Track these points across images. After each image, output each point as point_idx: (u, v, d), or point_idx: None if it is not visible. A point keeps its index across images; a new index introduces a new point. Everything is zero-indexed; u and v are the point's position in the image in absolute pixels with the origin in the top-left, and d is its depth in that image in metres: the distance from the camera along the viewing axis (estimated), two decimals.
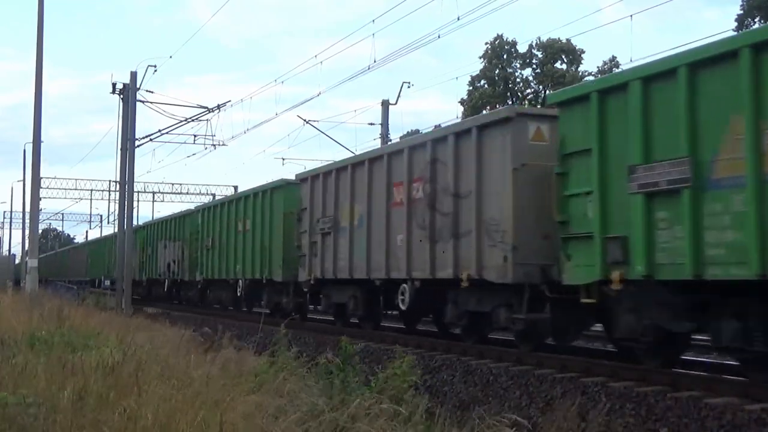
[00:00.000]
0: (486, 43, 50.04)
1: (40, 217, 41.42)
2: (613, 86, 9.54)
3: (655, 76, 8.81)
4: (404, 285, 13.70)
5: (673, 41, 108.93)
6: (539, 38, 49.39)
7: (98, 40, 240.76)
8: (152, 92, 31.82)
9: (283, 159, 40.13)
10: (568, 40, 47.67)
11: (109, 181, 47.64)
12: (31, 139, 24.00)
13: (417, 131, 51.26)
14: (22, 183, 52.73)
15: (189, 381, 6.32)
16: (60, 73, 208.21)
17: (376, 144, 31.28)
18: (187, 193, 56.08)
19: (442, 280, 12.64)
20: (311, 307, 20.78)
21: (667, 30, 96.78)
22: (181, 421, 4.96)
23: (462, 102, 49.40)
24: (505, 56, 49.97)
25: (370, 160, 15.23)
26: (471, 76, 49.08)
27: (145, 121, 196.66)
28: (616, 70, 29.14)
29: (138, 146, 28.38)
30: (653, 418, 8.12)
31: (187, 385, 6.08)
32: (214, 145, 30.06)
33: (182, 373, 6.78)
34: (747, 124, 7.66)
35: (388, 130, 31.99)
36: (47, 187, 51.87)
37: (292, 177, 19.65)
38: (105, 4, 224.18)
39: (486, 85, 49.70)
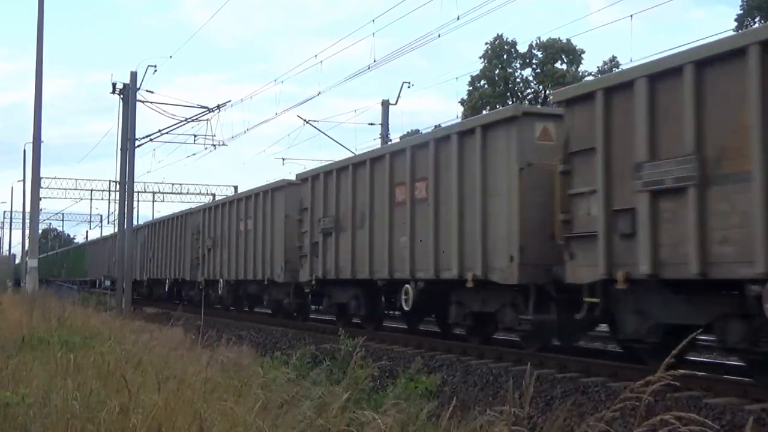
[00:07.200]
0: (486, 43, 50.15)
1: (40, 217, 41.48)
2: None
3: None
4: None
5: (664, 41, 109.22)
6: (539, 38, 49.52)
7: (91, 40, 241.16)
8: (152, 92, 31.79)
9: (283, 159, 39.93)
10: (568, 40, 47.74)
11: (109, 181, 47.71)
12: (27, 139, 24.07)
13: (417, 131, 51.33)
14: (22, 183, 52.78)
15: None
16: (54, 72, 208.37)
17: (377, 144, 31.11)
18: (187, 193, 56.22)
19: None
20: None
21: (657, 30, 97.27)
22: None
23: (462, 102, 49.47)
24: (505, 56, 50.02)
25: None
26: (471, 76, 49.18)
27: (145, 121, 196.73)
28: (617, 70, 29.15)
29: (138, 146, 28.43)
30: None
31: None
32: (214, 145, 30.09)
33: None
34: None
35: (388, 130, 31.97)
36: (47, 187, 52.02)
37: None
38: (98, 4, 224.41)
39: (486, 85, 49.73)
